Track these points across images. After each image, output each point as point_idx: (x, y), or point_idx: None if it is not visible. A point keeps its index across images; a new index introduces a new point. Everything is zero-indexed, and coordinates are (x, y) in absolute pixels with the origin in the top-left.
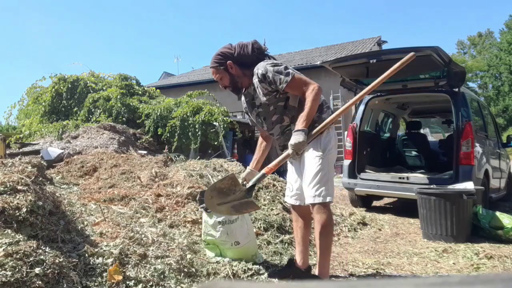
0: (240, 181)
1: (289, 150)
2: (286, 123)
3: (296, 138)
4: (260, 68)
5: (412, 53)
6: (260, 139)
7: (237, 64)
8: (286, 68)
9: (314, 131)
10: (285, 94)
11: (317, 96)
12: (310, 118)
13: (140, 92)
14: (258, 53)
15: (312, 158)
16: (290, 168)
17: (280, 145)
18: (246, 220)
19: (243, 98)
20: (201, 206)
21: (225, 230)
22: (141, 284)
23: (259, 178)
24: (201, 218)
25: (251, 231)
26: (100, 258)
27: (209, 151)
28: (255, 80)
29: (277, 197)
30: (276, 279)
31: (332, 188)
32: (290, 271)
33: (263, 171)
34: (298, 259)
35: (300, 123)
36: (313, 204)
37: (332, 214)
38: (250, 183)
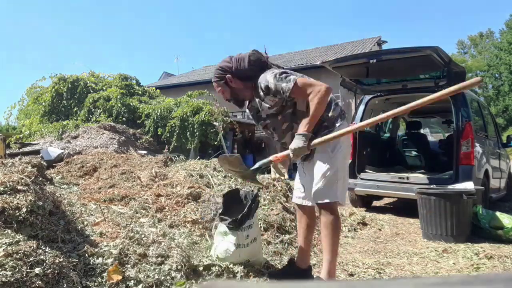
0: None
1: (290, 153)
2: (295, 130)
3: (296, 142)
4: (262, 82)
5: (479, 78)
6: None
7: (237, 78)
8: (287, 74)
9: (325, 138)
10: (291, 101)
11: (322, 98)
12: (314, 122)
13: (140, 92)
14: (256, 64)
15: (320, 157)
16: (300, 167)
17: None
18: (259, 236)
19: (247, 111)
20: (224, 221)
21: (238, 252)
22: (141, 284)
23: (265, 162)
24: (201, 218)
25: (260, 243)
26: (100, 258)
27: (209, 151)
28: (261, 93)
29: (277, 197)
30: (276, 279)
31: (342, 189)
32: (290, 271)
33: (271, 157)
34: (299, 259)
35: (302, 127)
36: (319, 205)
37: (339, 215)
38: (256, 165)
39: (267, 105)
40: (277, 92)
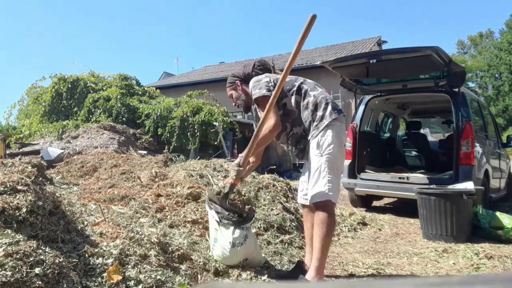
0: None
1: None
2: (288, 130)
3: (231, 174)
4: (249, 85)
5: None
6: None
7: (244, 83)
8: (263, 85)
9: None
10: (280, 102)
11: (268, 136)
12: (250, 152)
13: (140, 92)
14: (259, 70)
15: (312, 158)
16: (304, 168)
17: (288, 149)
18: (253, 237)
19: (250, 113)
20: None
21: (234, 250)
22: (141, 285)
23: (229, 188)
24: (201, 218)
25: (256, 242)
26: (100, 259)
27: (209, 151)
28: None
29: (277, 197)
30: (284, 280)
31: (334, 188)
32: (298, 272)
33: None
34: (307, 260)
35: (243, 155)
36: (313, 203)
37: (332, 213)
38: (226, 191)
39: (257, 108)
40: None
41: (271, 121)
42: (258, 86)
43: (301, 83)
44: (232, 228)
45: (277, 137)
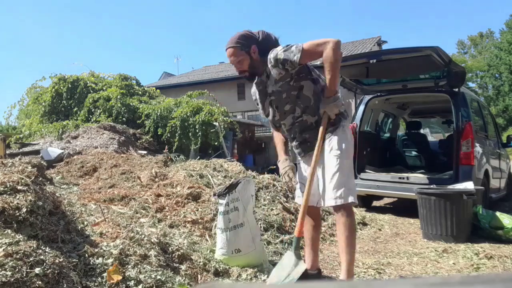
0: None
1: (326, 113)
2: (297, 114)
3: (331, 107)
4: (271, 54)
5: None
6: (275, 133)
7: (259, 49)
8: (293, 45)
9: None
10: (298, 82)
11: (335, 54)
12: (336, 81)
13: (140, 92)
14: (277, 42)
15: (329, 157)
16: (303, 167)
17: (291, 137)
18: (251, 227)
19: (254, 88)
20: None
21: (224, 236)
22: (141, 285)
23: (296, 245)
24: (201, 218)
25: (257, 240)
26: (100, 259)
27: (209, 151)
28: (269, 65)
29: (277, 197)
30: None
31: (353, 188)
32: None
33: (295, 233)
34: (307, 261)
35: (329, 91)
36: (335, 207)
37: (354, 215)
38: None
39: (274, 78)
40: (285, 61)
41: (328, 43)
42: (289, 49)
43: (319, 74)
44: (221, 215)
45: (282, 116)
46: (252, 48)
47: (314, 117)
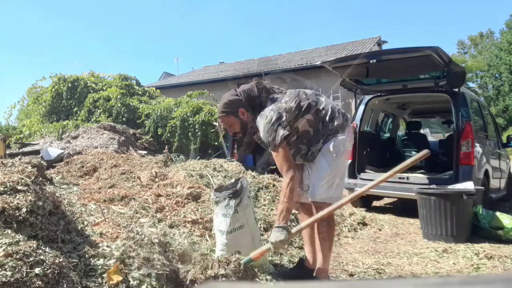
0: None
1: (270, 247)
2: (304, 151)
3: (276, 236)
4: (258, 124)
5: (426, 151)
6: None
7: (248, 109)
8: (280, 124)
9: (302, 226)
10: (292, 128)
11: (292, 188)
12: (288, 214)
13: (140, 92)
14: (263, 91)
15: (323, 158)
16: (306, 168)
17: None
18: (251, 229)
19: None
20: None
21: (224, 239)
22: (141, 285)
23: (247, 261)
24: (201, 218)
25: (256, 241)
26: (101, 259)
27: (209, 151)
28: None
29: (277, 197)
30: (284, 279)
31: (339, 190)
32: (299, 271)
33: (251, 255)
34: (308, 259)
35: (280, 219)
36: (316, 203)
37: (333, 214)
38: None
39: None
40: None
41: (288, 175)
42: (272, 129)
43: (307, 99)
44: (219, 215)
45: (293, 159)
46: (240, 111)
47: (318, 143)
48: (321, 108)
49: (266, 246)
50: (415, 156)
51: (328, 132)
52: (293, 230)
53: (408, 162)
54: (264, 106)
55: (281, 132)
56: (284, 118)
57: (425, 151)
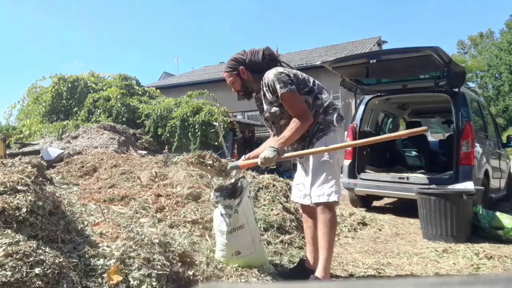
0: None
1: (258, 161)
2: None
3: (267, 153)
4: (265, 77)
5: (425, 128)
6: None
7: (249, 70)
8: (289, 79)
9: (300, 152)
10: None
11: (300, 128)
12: (287, 143)
13: (140, 92)
14: (269, 59)
15: (318, 158)
16: (300, 167)
17: (290, 151)
18: (251, 229)
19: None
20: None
21: (224, 239)
22: (141, 285)
23: (233, 166)
24: (201, 218)
25: (256, 241)
26: (101, 259)
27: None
28: (264, 88)
29: (277, 197)
30: (284, 279)
31: (337, 189)
32: (300, 271)
33: (238, 162)
34: (309, 259)
35: (277, 142)
36: (317, 204)
37: (335, 214)
38: (228, 167)
39: (268, 100)
40: (274, 90)
41: (302, 118)
42: (281, 80)
43: (313, 84)
44: (219, 215)
45: (278, 130)
46: (241, 69)
47: (309, 132)
48: (320, 97)
49: (255, 160)
50: (411, 130)
51: (320, 122)
52: (284, 155)
53: (404, 132)
54: (263, 73)
55: (290, 87)
56: (292, 77)
57: (423, 128)
